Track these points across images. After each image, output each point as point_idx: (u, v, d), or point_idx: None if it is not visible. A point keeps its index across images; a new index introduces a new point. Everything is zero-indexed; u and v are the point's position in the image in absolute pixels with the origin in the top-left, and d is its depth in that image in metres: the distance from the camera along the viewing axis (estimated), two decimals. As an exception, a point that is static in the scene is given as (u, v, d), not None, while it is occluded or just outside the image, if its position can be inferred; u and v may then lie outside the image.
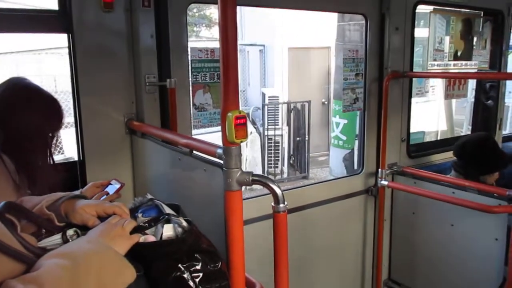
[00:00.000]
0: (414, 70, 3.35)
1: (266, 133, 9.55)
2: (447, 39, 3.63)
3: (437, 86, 3.86)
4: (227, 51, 1.26)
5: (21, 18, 2.20)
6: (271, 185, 1.36)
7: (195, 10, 15.03)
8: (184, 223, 1.32)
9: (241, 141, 1.28)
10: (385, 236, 3.30)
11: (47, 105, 1.77)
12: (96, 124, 2.34)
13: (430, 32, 3.51)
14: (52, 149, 1.78)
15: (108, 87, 2.36)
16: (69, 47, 2.27)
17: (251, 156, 9.31)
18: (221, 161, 1.37)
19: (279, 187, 1.36)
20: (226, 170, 1.33)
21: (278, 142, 9.60)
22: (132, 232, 1.22)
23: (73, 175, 2.34)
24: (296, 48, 12.00)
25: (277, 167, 9.62)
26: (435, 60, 3.58)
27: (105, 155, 2.37)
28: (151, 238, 1.28)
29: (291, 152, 9.95)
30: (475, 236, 2.73)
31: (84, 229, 1.24)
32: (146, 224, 1.30)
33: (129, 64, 2.39)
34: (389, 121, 3.10)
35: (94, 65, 2.29)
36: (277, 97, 10.12)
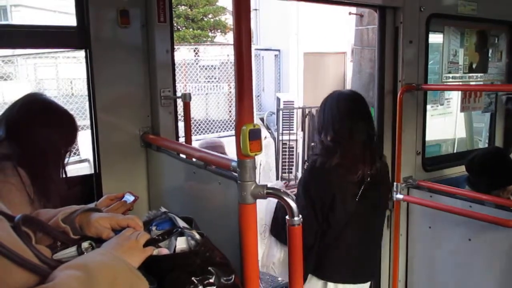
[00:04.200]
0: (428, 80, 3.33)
1: (280, 138, 9.50)
2: (461, 51, 3.60)
3: (453, 98, 3.81)
4: (241, 61, 1.26)
5: (41, 35, 2.25)
6: (285, 198, 1.34)
7: (210, 16, 15.28)
8: (197, 236, 1.32)
9: (256, 154, 1.28)
10: (401, 250, 3.24)
11: (62, 121, 1.81)
12: (112, 138, 2.37)
13: (444, 44, 3.49)
14: (66, 163, 1.81)
15: (124, 101, 2.39)
16: (86, 62, 2.31)
17: (265, 161, 9.27)
18: (236, 174, 1.37)
19: (293, 200, 1.35)
20: (240, 183, 1.32)
21: (293, 147, 9.53)
22: (145, 245, 1.22)
23: (89, 188, 2.36)
24: (311, 53, 11.99)
25: (291, 172, 9.54)
26: (449, 72, 3.55)
27: (120, 168, 2.39)
28: (164, 251, 1.28)
29: (306, 158, 9.88)
30: (494, 251, 2.67)
31: (98, 241, 1.25)
32: (160, 237, 1.31)
33: (145, 78, 2.42)
34: (404, 134, 3.06)
35: (110, 80, 2.33)
36: (292, 102, 10.09)
